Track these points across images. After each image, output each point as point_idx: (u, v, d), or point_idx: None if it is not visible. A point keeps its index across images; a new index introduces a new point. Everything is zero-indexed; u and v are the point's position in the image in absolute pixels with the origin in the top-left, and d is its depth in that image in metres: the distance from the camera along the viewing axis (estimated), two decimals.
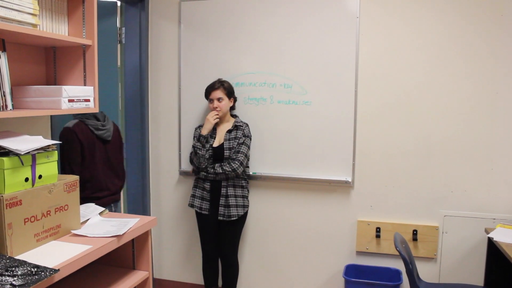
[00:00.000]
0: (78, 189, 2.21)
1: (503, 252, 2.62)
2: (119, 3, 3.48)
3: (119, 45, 3.54)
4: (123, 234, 2.18)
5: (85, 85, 2.39)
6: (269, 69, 3.42)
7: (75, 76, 2.42)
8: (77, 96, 2.27)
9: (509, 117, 3.10)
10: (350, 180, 3.34)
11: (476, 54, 3.10)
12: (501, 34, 3.05)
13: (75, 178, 2.20)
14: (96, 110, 2.42)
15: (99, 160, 2.82)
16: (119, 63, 3.54)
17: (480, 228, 3.16)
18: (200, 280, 3.60)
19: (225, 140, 3.22)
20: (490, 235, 2.84)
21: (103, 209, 2.53)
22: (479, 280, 3.19)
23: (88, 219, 2.37)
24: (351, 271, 3.35)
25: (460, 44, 3.11)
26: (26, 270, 1.65)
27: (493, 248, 2.94)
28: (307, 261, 3.52)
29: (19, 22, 1.96)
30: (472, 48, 3.10)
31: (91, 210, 2.49)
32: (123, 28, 3.53)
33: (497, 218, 3.15)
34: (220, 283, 3.52)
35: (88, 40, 2.36)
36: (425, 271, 3.28)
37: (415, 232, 3.25)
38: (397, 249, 2.65)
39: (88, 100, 2.35)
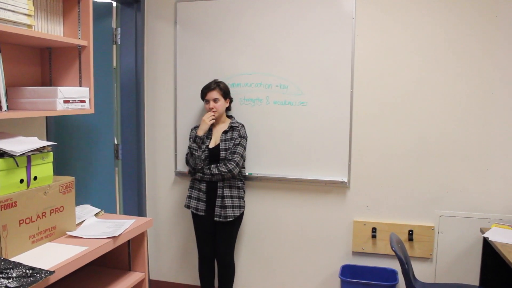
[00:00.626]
0: (73, 190, 2.21)
1: (498, 252, 2.63)
2: (114, 4, 3.47)
3: (114, 46, 3.53)
4: (119, 235, 2.18)
5: (80, 86, 2.39)
6: (265, 70, 3.42)
7: (71, 77, 2.42)
8: (73, 97, 2.27)
9: (505, 118, 3.11)
10: (346, 180, 3.34)
11: (472, 55, 3.11)
12: (497, 34, 3.06)
13: (70, 179, 2.20)
14: (92, 111, 2.42)
15: None
16: (114, 64, 3.53)
17: (476, 228, 3.17)
18: (196, 281, 3.60)
19: (221, 141, 3.22)
20: (485, 235, 2.85)
21: (98, 210, 2.52)
22: (475, 279, 3.20)
23: (83, 220, 2.37)
24: (347, 272, 3.35)
25: (456, 45, 3.12)
26: (21, 272, 1.64)
27: (488, 247, 2.95)
28: (303, 261, 3.53)
29: (14, 22, 1.96)
30: (468, 48, 3.11)
31: (87, 211, 2.48)
32: (119, 29, 3.53)
33: (492, 218, 3.16)
34: (216, 283, 3.52)
35: (84, 41, 2.36)
36: (421, 271, 3.28)
37: (411, 232, 3.25)
38: (393, 249, 2.66)
39: (83, 101, 2.34)
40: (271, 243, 3.58)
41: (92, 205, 2.61)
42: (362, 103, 3.29)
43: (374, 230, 3.31)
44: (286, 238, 3.54)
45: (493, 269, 3.01)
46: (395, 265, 3.25)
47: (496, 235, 2.81)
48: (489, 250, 2.96)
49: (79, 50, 2.39)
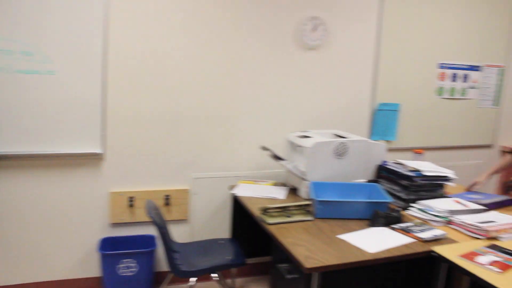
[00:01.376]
0: None
1: (244, 205, 2.92)
2: None
3: None
4: None
5: None
6: (6, 35, 3.02)
7: None
8: None
9: (249, 85, 3.43)
10: (101, 151, 3.23)
11: (222, 25, 3.31)
12: (245, 5, 3.32)
13: None
14: None
15: None
16: None
17: (226, 186, 3.47)
18: None
19: None
20: (232, 191, 3.12)
21: None
22: (228, 233, 3.51)
23: None
24: (107, 244, 3.28)
25: (209, 13, 3.27)
26: None
27: (237, 202, 3.26)
28: (59, 242, 3.30)
29: None
30: (220, 18, 3.29)
31: None
32: None
33: (240, 176, 3.50)
34: None
35: None
36: (179, 233, 3.44)
37: (167, 197, 3.36)
38: (149, 216, 2.70)
39: None
40: (22, 228, 3.22)
41: None
42: (117, 71, 3.18)
43: (131, 199, 3.31)
44: (39, 221, 3.24)
45: (241, 221, 3.33)
46: (154, 231, 3.33)
47: (242, 191, 3.11)
48: (237, 204, 3.27)
49: None
